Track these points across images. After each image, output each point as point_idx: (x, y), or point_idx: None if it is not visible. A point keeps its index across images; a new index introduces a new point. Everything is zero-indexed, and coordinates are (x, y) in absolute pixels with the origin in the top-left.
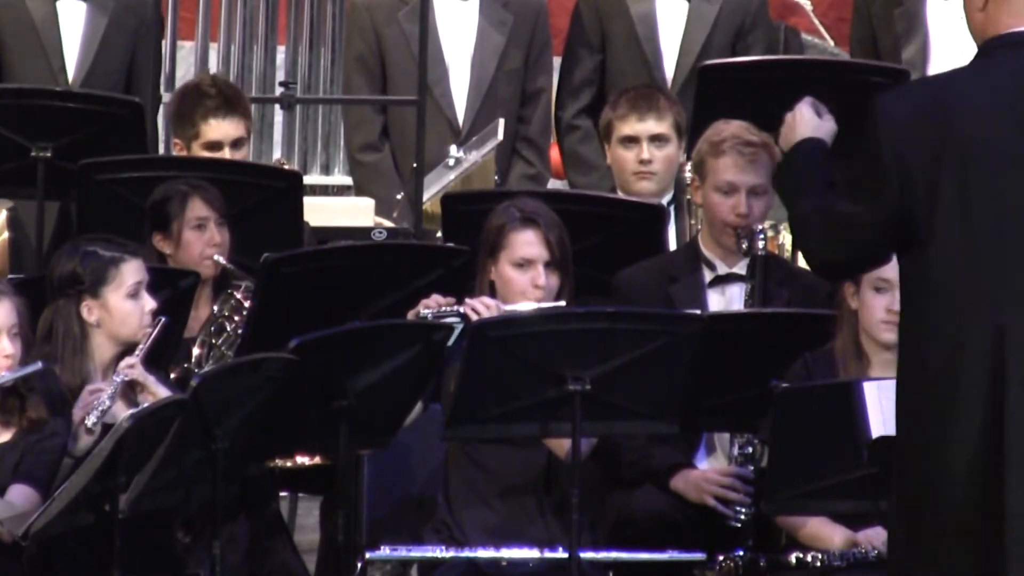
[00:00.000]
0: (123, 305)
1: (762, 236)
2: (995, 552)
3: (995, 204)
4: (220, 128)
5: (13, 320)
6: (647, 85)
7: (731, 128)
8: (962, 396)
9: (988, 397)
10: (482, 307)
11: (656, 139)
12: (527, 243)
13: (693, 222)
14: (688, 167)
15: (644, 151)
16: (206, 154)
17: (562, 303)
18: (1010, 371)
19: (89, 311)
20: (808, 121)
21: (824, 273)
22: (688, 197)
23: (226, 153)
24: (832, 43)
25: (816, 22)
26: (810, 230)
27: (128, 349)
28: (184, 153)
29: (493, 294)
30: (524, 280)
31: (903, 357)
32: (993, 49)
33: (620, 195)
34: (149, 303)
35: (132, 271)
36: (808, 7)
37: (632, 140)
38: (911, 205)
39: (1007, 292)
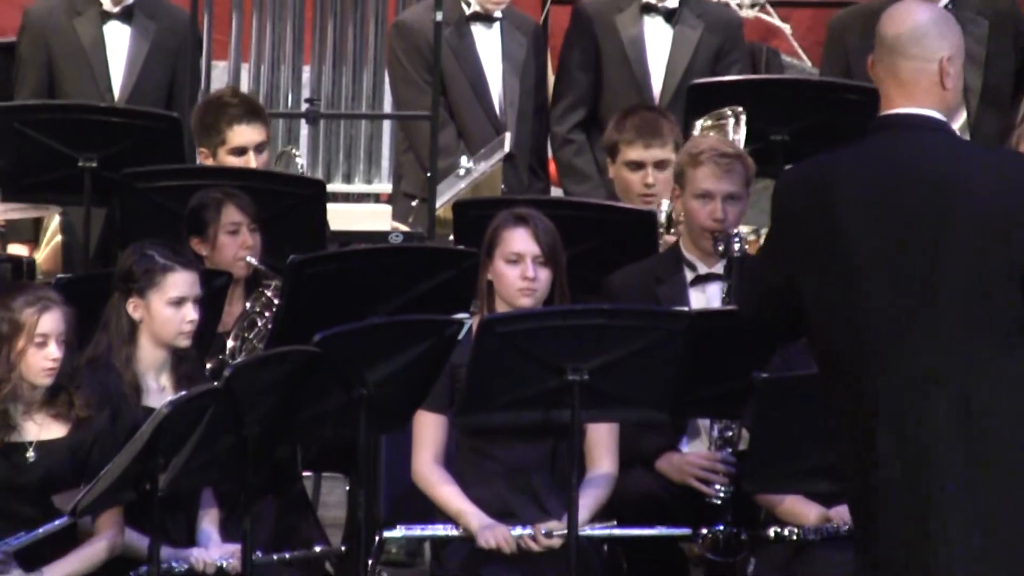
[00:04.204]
0: (163, 311)
1: (738, 239)
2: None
3: (866, 285)
4: (245, 134)
5: (62, 328)
6: (650, 108)
7: (708, 141)
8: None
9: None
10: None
11: (660, 164)
12: (518, 239)
13: (674, 230)
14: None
15: (649, 176)
16: (232, 159)
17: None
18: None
19: (135, 308)
20: None
21: (750, 327)
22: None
23: (251, 157)
24: (810, 64)
25: (795, 44)
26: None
27: (175, 355)
28: (210, 161)
29: (492, 294)
30: (515, 274)
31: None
32: (876, 129)
33: (616, 202)
34: (190, 315)
35: (178, 282)
36: (788, 31)
37: (637, 165)
38: (799, 277)
39: (878, 361)
